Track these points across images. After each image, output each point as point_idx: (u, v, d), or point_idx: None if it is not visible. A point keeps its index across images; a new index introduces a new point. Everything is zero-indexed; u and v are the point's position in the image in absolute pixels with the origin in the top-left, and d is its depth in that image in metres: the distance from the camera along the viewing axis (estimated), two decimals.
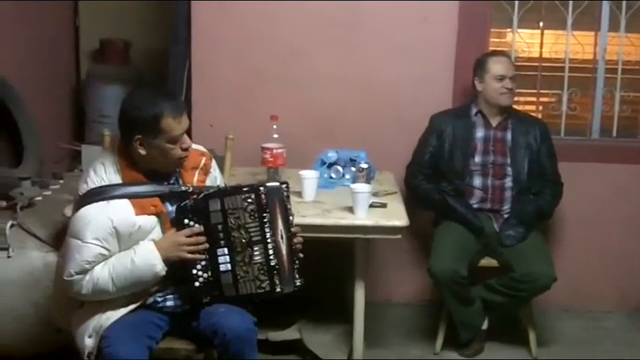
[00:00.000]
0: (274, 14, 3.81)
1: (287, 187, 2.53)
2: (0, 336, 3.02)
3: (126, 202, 2.40)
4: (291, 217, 2.52)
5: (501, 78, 3.49)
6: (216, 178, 2.69)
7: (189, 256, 2.42)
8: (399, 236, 3.00)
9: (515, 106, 3.84)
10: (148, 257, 2.39)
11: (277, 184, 2.52)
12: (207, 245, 2.43)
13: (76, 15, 5.03)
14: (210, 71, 3.84)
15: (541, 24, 3.98)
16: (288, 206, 2.51)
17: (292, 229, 2.51)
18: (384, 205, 3.10)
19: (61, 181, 3.48)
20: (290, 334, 3.37)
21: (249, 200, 2.42)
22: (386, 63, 3.87)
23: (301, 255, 2.53)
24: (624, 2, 3.92)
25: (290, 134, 3.47)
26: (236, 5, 3.79)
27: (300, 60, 3.85)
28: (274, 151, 3.23)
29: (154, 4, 4.89)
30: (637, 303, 3.88)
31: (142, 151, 2.42)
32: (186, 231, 2.43)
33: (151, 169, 2.49)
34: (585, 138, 4.05)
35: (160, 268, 2.40)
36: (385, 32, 3.85)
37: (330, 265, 3.38)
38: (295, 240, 2.52)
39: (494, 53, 3.64)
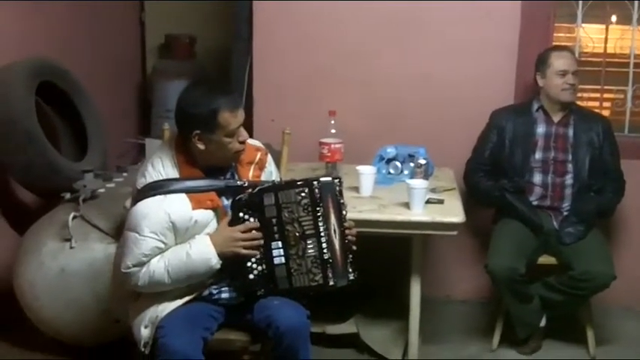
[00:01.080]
0: (334, 14, 3.85)
1: (340, 181, 2.55)
2: (63, 325, 3.11)
3: (183, 196, 2.46)
4: (344, 212, 2.53)
5: (564, 73, 3.44)
6: (271, 173, 2.74)
7: (244, 251, 2.47)
8: (455, 232, 2.99)
9: (578, 102, 3.79)
10: (203, 251, 2.44)
11: (329, 178, 2.54)
12: (262, 241, 2.48)
13: (142, 11, 5.14)
14: (270, 68, 3.90)
15: (614, 18, 3.91)
16: (341, 200, 2.53)
17: (345, 224, 2.53)
18: (440, 202, 3.10)
19: (125, 174, 3.56)
20: (347, 327, 3.40)
21: (303, 194, 2.45)
22: (447, 60, 3.86)
23: (355, 248, 2.54)
24: None
25: (350, 131, 3.52)
26: (296, 5, 3.84)
27: (361, 58, 3.87)
28: (332, 146, 3.26)
29: (217, 2, 4.97)
30: None
31: (201, 146, 2.47)
32: (241, 226, 2.48)
33: (209, 163, 2.54)
34: None
35: (215, 262, 2.45)
36: (446, 30, 3.84)
37: (389, 259, 3.40)
38: (348, 233, 2.53)
39: (557, 48, 3.59)
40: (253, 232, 2.48)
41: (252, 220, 2.48)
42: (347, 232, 2.53)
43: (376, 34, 3.86)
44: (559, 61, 3.46)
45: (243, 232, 2.48)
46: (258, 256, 2.48)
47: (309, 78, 3.91)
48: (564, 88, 3.45)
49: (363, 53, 3.87)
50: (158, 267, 2.43)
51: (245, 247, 2.47)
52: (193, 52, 5.12)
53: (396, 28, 3.85)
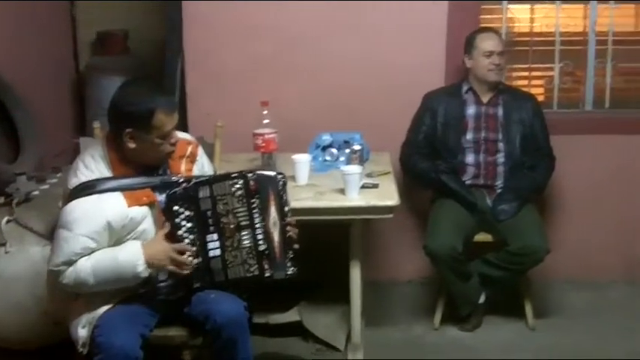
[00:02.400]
0: (269, 2, 3.84)
1: (283, 177, 2.56)
2: (6, 331, 3.06)
3: (118, 194, 2.44)
4: (286, 208, 2.55)
5: (489, 54, 3.51)
6: (203, 165, 2.74)
7: (171, 268, 2.46)
8: (391, 215, 3.03)
9: (507, 82, 3.88)
10: (132, 257, 2.42)
11: (273, 173, 2.55)
12: (195, 261, 2.46)
13: (72, 6, 5.04)
14: (205, 59, 3.88)
15: None
16: (284, 196, 2.55)
17: (287, 219, 2.55)
18: (376, 186, 3.14)
19: (59, 175, 3.49)
20: (290, 316, 3.42)
21: (237, 186, 2.47)
22: (378, 46, 3.89)
23: (297, 246, 2.56)
24: None
25: (288, 119, 3.53)
26: None
27: (296, 47, 3.89)
28: (266, 136, 3.26)
29: None
30: None
31: (132, 145, 2.46)
32: (177, 245, 2.46)
33: (140, 162, 2.53)
34: (578, 110, 4.06)
35: (142, 269, 2.42)
36: (381, 16, 3.86)
37: (333, 247, 3.42)
38: (290, 229, 2.55)
39: (483, 30, 3.66)
40: (186, 255, 2.46)
41: (187, 213, 2.48)
42: (289, 227, 2.55)
43: (309, 23, 3.87)
44: (484, 43, 3.53)
45: (178, 251, 2.46)
46: (194, 250, 2.48)
47: (245, 68, 3.90)
48: (490, 69, 3.52)
49: (298, 42, 3.88)
50: (85, 267, 2.41)
51: (174, 265, 2.45)
52: (127, 47, 5.05)
53: (328, 15, 3.86)
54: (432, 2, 3.84)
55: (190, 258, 2.46)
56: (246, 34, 3.87)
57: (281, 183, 2.54)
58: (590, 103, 4.04)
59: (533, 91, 3.99)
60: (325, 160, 3.50)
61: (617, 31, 4.00)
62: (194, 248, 2.47)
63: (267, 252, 2.49)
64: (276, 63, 3.89)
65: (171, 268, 2.46)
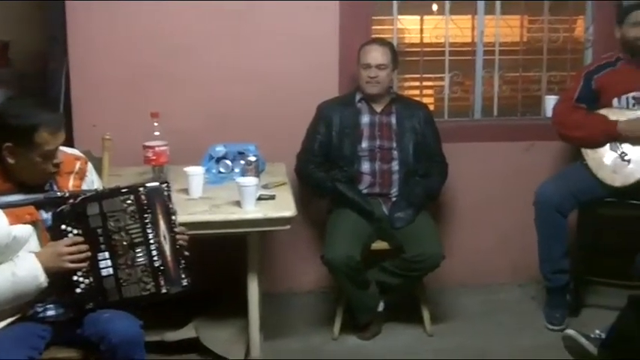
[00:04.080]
0: (156, 10, 3.76)
1: (168, 186, 2.50)
2: None
3: None
4: (174, 217, 2.49)
5: (366, 67, 3.55)
6: (93, 182, 2.64)
7: (71, 265, 2.37)
8: (288, 227, 3.01)
9: (399, 91, 3.94)
10: (30, 269, 2.32)
11: (157, 183, 2.49)
12: (89, 254, 2.39)
13: None
14: (90, 71, 3.76)
15: (434, 7, 4.08)
16: (170, 205, 2.49)
17: (176, 229, 2.49)
18: (272, 197, 3.11)
19: None
20: (185, 332, 3.34)
21: (129, 201, 2.40)
22: (273, 55, 3.87)
23: (187, 254, 2.50)
24: None
25: (179, 131, 3.47)
26: (113, 3, 3.72)
27: (185, 55, 3.82)
28: (156, 148, 3.18)
29: (30, 3, 4.72)
30: (528, 275, 4.01)
31: (11, 160, 2.35)
32: (67, 240, 2.38)
33: (20, 178, 2.41)
34: (468, 119, 4.17)
35: (43, 279, 2.34)
36: (272, 24, 3.85)
37: (230, 259, 3.36)
38: (179, 239, 2.49)
39: (368, 42, 3.68)
40: (79, 245, 2.38)
41: (75, 232, 2.39)
42: (178, 237, 2.49)
43: (200, 31, 3.82)
44: (364, 55, 3.58)
45: (69, 245, 2.37)
46: (85, 269, 2.39)
47: (133, 78, 3.80)
48: (367, 81, 3.56)
49: (188, 50, 3.82)
50: None
51: (71, 261, 2.37)
52: (7, 58, 4.85)
53: (220, 23, 3.82)
54: (324, 13, 3.85)
55: (85, 246, 2.38)
56: (131, 43, 3.78)
57: (166, 193, 2.48)
58: (479, 112, 4.16)
59: (425, 100, 4.07)
60: (219, 172, 3.45)
61: (503, 42, 4.14)
62: (82, 239, 2.38)
63: (162, 268, 2.42)
64: (165, 73, 3.81)
65: (70, 266, 2.36)
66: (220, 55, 3.84)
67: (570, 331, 3.23)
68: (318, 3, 3.86)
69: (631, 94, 3.60)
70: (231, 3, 3.79)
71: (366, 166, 3.58)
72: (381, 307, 3.57)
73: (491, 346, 3.48)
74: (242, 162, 3.35)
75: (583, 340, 3.12)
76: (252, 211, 2.96)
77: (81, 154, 2.67)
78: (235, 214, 2.95)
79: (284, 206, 3.03)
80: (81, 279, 2.39)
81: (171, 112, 3.52)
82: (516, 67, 4.18)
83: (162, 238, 2.44)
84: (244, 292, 3.12)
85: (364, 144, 3.58)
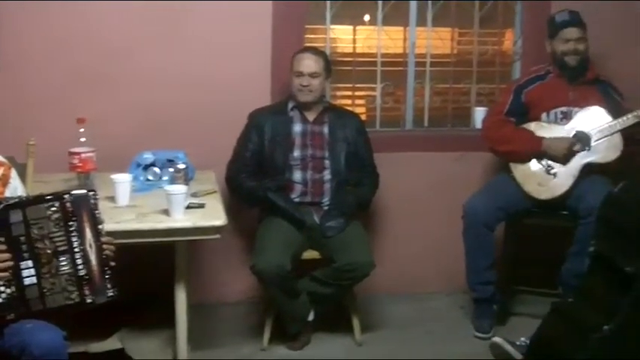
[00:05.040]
0: (86, 12, 3.68)
1: (94, 193, 2.44)
2: None
3: None
4: (100, 225, 2.43)
5: (299, 74, 3.55)
6: (16, 188, 2.56)
7: None
8: (218, 236, 2.96)
9: (332, 100, 3.95)
10: None
11: (84, 191, 2.42)
12: (11, 262, 2.30)
13: None
14: (14, 73, 3.65)
15: (367, 17, 4.10)
16: (97, 213, 2.43)
17: (102, 238, 2.43)
18: (201, 206, 3.06)
19: None
20: (111, 343, 3.27)
21: (54, 209, 2.33)
22: (204, 61, 3.83)
23: (113, 264, 2.44)
24: None
25: (106, 137, 3.38)
26: (40, 4, 3.62)
27: (115, 60, 3.75)
28: (82, 155, 3.11)
29: None
30: (457, 284, 4.05)
31: None
32: None
33: None
34: (399, 129, 4.21)
35: None
36: (204, 30, 3.82)
37: (157, 268, 3.31)
38: (105, 248, 2.43)
39: (302, 50, 3.68)
40: (0, 253, 2.30)
41: None
42: (104, 246, 2.43)
43: (131, 35, 3.75)
44: (297, 63, 3.58)
45: None
46: (7, 278, 2.31)
47: (58, 82, 3.71)
48: (299, 89, 3.56)
49: (118, 54, 3.74)
50: None
51: None
52: None
53: (151, 28, 3.76)
54: (256, 21, 3.84)
55: (7, 255, 2.29)
56: (61, 45, 3.69)
57: (93, 201, 2.42)
58: (410, 122, 4.21)
59: (357, 109, 4.10)
60: (147, 180, 3.39)
61: (434, 54, 4.19)
62: (4, 247, 2.30)
63: (87, 277, 2.36)
64: (92, 77, 3.73)
65: None
66: (150, 61, 3.78)
67: (497, 339, 3.30)
68: (252, 10, 3.84)
69: (559, 109, 3.70)
70: (164, 8, 3.74)
71: (297, 175, 3.57)
72: (311, 316, 3.55)
73: (420, 355, 3.49)
74: (171, 169, 3.29)
75: (509, 348, 3.19)
76: (180, 219, 2.90)
77: (4, 160, 2.59)
78: (163, 223, 2.89)
79: (214, 215, 2.99)
80: (2, 288, 2.30)
81: (99, 117, 3.44)
82: (447, 78, 4.23)
83: (87, 247, 2.38)
84: (172, 302, 3.07)
85: (296, 153, 3.57)
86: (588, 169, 3.60)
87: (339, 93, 4.18)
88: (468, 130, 4.23)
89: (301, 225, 3.48)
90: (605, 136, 3.57)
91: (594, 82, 3.73)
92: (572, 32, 3.66)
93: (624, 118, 3.54)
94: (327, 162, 3.59)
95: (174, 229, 2.89)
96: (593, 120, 3.61)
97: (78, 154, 3.12)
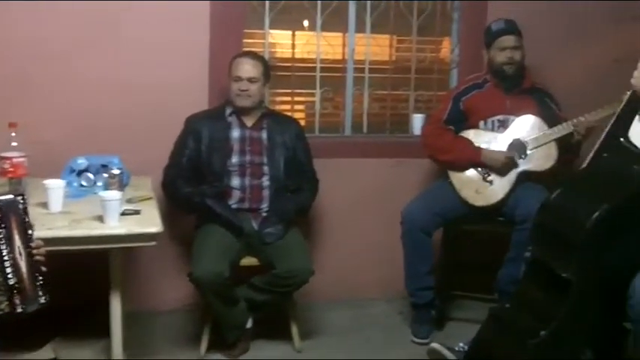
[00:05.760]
0: (17, 14, 3.58)
1: (23, 198, 2.36)
2: None
3: None
4: (30, 231, 2.35)
5: (237, 79, 3.53)
6: None
7: None
8: (154, 243, 2.90)
9: (271, 106, 3.93)
10: None
11: (11, 196, 2.34)
12: None
13: None
14: None
15: (306, 23, 4.09)
16: (26, 219, 2.34)
17: (32, 244, 2.35)
18: (137, 212, 3.00)
19: None
20: (43, 354, 3.15)
21: None
22: (141, 65, 3.78)
23: (44, 269, 2.37)
24: (369, 3, 4.10)
25: (41, 141, 3.33)
26: None
27: (49, 64, 3.66)
28: (14, 160, 3.02)
29: None
30: (396, 290, 4.07)
31: None
32: None
33: None
34: (339, 135, 4.21)
35: None
36: (140, 34, 3.76)
37: (93, 277, 3.23)
38: (36, 254, 2.35)
39: (241, 54, 3.66)
40: None
41: None
42: (34, 252, 2.35)
43: (66, 38, 3.67)
44: (235, 68, 3.55)
45: None
46: None
47: None
48: (238, 94, 3.54)
49: (52, 58, 3.66)
50: None
51: None
52: None
53: (85, 30, 3.69)
54: (194, 25, 3.80)
55: None
56: None
57: (22, 206, 2.34)
58: (349, 128, 4.21)
59: (296, 115, 4.08)
60: (81, 186, 3.31)
61: (373, 60, 4.21)
62: None
63: (17, 286, 2.27)
64: (24, 81, 3.64)
65: None
66: (84, 65, 3.70)
67: (435, 345, 3.32)
68: (189, 15, 3.80)
69: (497, 117, 3.76)
70: (98, 10, 3.67)
71: (235, 181, 3.54)
72: (249, 323, 3.52)
73: None
74: (105, 175, 3.23)
75: (447, 353, 3.22)
76: (115, 226, 2.83)
77: None
78: (97, 230, 2.82)
79: (149, 222, 2.93)
80: None
81: (32, 121, 3.35)
82: (385, 85, 4.26)
83: (17, 254, 2.29)
84: (107, 311, 3.00)
85: (234, 159, 3.54)
86: (524, 177, 3.66)
87: (277, 98, 4.16)
88: (407, 137, 4.26)
89: (239, 232, 3.44)
90: (541, 145, 3.63)
91: (531, 90, 3.80)
92: (508, 40, 3.72)
93: (559, 127, 3.61)
94: (265, 168, 3.57)
95: (108, 236, 2.82)
96: (529, 128, 3.67)
97: (9, 158, 3.03)
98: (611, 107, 3.29)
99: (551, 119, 3.68)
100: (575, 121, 3.58)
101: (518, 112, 3.71)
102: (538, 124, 3.67)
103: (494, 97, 3.77)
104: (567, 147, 3.65)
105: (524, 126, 3.69)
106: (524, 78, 3.80)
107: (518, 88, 3.78)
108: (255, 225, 3.51)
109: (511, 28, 3.75)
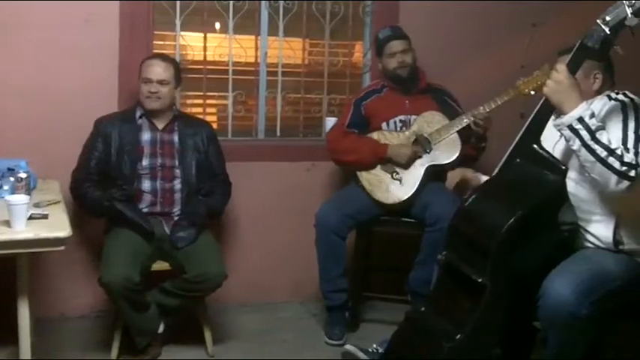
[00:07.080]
0: None
1: None
2: None
3: None
4: None
5: (147, 81, 3.49)
6: None
7: None
8: (63, 247, 2.83)
9: (182, 109, 3.89)
10: None
11: None
12: None
13: None
14: None
15: (217, 26, 4.08)
16: None
17: None
18: (44, 217, 2.92)
19: None
20: None
21: None
22: (48, 67, 3.69)
23: None
24: (281, 5, 4.12)
25: None
26: None
27: None
28: None
29: None
30: (309, 292, 4.10)
31: None
32: None
33: None
34: (252, 138, 4.21)
35: None
36: (48, 34, 3.67)
37: (1, 282, 3.13)
38: None
39: (151, 56, 3.62)
40: None
41: None
42: None
43: None
44: (145, 70, 3.52)
45: None
46: None
47: None
48: (147, 96, 3.50)
49: None
50: None
51: None
52: None
53: None
54: (102, 26, 3.74)
55: None
56: None
57: None
58: (262, 132, 4.22)
59: (209, 118, 4.07)
60: None
61: (286, 64, 4.23)
62: None
63: None
64: None
65: None
66: None
67: (349, 347, 3.35)
68: (98, 15, 3.73)
69: (398, 118, 3.85)
70: (1, 12, 3.57)
71: (146, 185, 3.49)
72: (161, 328, 3.47)
73: None
74: (11, 179, 3.13)
75: (361, 355, 3.25)
76: (22, 231, 2.75)
77: None
78: (4, 235, 2.73)
79: (57, 226, 2.85)
80: None
81: None
82: (298, 88, 4.28)
83: None
84: (15, 317, 2.91)
85: (145, 162, 3.49)
86: (432, 172, 3.73)
87: (189, 101, 4.12)
88: (320, 140, 4.28)
89: (150, 236, 3.40)
90: (444, 138, 3.72)
91: (428, 90, 3.92)
92: (396, 45, 3.84)
93: (459, 118, 3.71)
94: (177, 171, 3.54)
95: (15, 240, 2.73)
96: (430, 124, 3.77)
97: None
98: (506, 94, 3.53)
99: (451, 115, 3.78)
100: (474, 112, 3.67)
101: (418, 112, 3.82)
102: (439, 119, 3.76)
103: (394, 99, 3.88)
104: (470, 138, 3.74)
105: (426, 122, 3.78)
106: (419, 79, 3.92)
107: (415, 89, 3.90)
108: (166, 229, 3.47)
109: (398, 33, 3.89)
